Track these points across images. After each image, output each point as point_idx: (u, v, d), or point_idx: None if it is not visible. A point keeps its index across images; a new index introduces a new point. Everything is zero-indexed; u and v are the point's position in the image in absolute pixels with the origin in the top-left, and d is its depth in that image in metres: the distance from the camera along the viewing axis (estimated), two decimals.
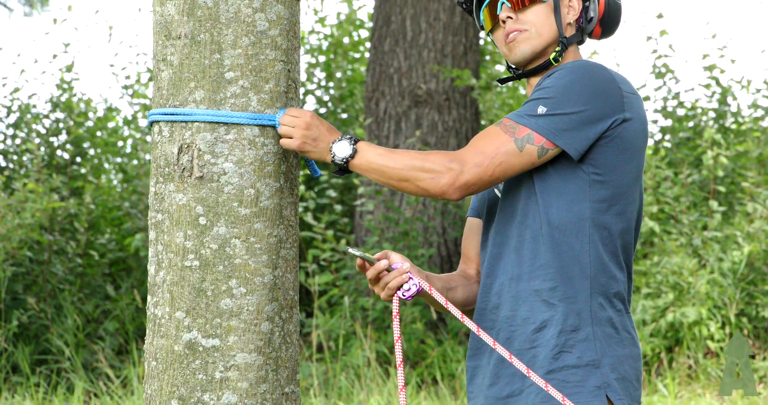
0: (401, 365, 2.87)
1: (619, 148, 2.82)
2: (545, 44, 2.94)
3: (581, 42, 3.01)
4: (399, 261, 2.88)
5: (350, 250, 2.84)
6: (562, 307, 2.80)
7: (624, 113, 2.81)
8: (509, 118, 2.83)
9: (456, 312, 2.84)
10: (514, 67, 3.04)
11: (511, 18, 2.94)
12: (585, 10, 3.00)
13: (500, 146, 2.79)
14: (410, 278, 2.86)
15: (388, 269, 2.87)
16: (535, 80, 2.99)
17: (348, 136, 2.83)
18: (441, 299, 2.86)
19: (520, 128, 2.80)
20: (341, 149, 2.83)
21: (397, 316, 2.87)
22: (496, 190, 2.97)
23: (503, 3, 2.95)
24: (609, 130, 2.80)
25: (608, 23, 3.04)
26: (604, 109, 2.79)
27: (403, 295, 2.86)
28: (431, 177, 2.79)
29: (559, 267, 2.81)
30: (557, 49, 2.94)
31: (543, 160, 2.81)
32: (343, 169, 2.86)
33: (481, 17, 3.02)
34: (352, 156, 2.83)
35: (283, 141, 2.87)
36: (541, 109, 2.79)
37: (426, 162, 2.80)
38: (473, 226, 3.10)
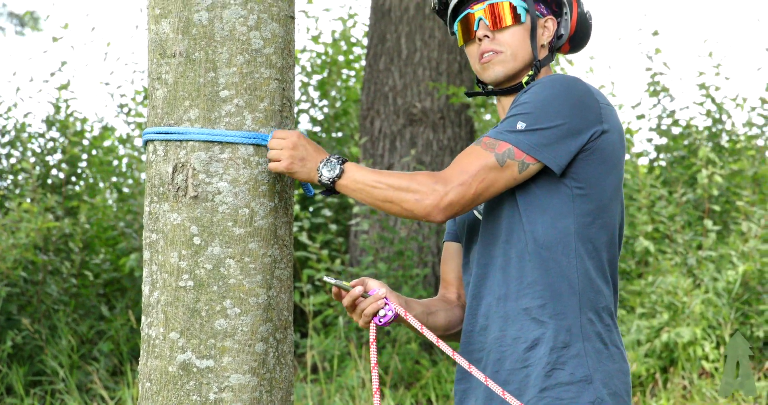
0: (377, 392, 2.83)
1: (600, 160, 2.81)
2: (520, 67, 2.94)
3: (551, 60, 3.01)
4: (376, 287, 2.84)
5: (325, 278, 2.81)
6: (552, 324, 2.79)
7: (602, 125, 2.81)
8: (488, 135, 2.82)
9: (431, 337, 2.81)
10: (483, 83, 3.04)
11: (488, 37, 2.93)
12: (556, 27, 3.00)
13: (481, 162, 2.77)
14: (386, 304, 2.82)
15: (364, 295, 2.84)
16: (505, 100, 2.98)
17: (335, 156, 2.81)
18: (416, 324, 2.83)
19: (500, 144, 2.78)
20: (328, 169, 2.81)
21: (374, 343, 2.83)
22: (475, 212, 2.95)
23: (481, 19, 2.94)
24: (589, 142, 2.80)
25: (578, 40, 3.04)
26: (584, 122, 2.79)
27: (380, 322, 2.82)
28: (416, 198, 2.76)
29: (547, 284, 2.80)
30: (530, 73, 2.93)
31: (524, 177, 2.79)
32: (330, 189, 2.83)
33: (455, 28, 3.01)
34: (339, 176, 2.81)
35: (271, 165, 2.84)
36: (521, 125, 2.78)
37: (412, 182, 2.77)
38: (451, 250, 3.08)
